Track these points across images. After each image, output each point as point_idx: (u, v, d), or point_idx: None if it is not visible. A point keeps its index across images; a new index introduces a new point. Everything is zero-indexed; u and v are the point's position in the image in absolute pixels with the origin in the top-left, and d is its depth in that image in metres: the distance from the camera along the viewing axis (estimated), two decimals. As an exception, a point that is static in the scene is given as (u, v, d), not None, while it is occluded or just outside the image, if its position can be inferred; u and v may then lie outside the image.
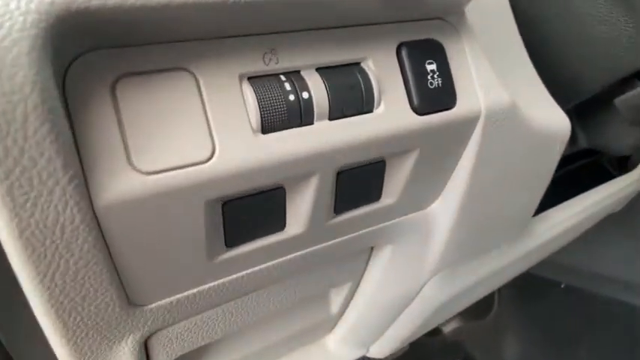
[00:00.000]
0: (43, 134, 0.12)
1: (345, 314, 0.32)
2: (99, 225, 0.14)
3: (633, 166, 0.45)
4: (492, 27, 0.25)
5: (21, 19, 0.11)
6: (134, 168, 0.14)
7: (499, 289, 0.79)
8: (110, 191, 0.14)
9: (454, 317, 0.89)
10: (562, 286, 0.68)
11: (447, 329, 0.88)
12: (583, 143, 0.34)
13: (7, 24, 0.11)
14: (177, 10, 0.13)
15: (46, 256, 0.14)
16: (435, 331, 0.87)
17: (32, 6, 0.11)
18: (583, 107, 0.32)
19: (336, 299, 0.31)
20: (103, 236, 0.15)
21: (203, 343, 0.24)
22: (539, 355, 0.77)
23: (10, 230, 0.13)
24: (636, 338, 0.65)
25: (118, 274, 0.16)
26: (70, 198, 0.13)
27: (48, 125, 0.12)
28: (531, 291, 0.74)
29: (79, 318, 0.16)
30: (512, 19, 0.27)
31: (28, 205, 0.13)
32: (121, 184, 0.14)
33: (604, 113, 0.33)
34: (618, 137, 0.32)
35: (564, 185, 0.43)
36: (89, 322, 0.17)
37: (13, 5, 0.11)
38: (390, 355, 0.48)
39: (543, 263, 0.57)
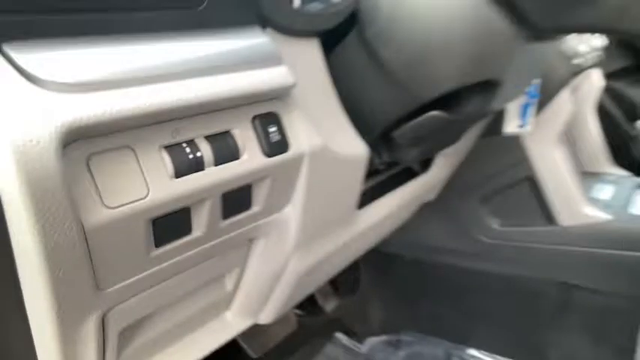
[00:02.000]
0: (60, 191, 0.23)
1: (237, 292, 0.45)
2: (86, 240, 0.25)
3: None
4: (314, 92, 0.40)
5: (47, 139, 0.22)
6: (105, 205, 0.25)
7: (361, 267, 0.97)
8: (92, 219, 0.25)
9: (333, 297, 1.06)
10: (405, 258, 0.90)
11: (328, 308, 1.04)
12: (386, 158, 0.51)
13: (38, 143, 0.22)
14: (129, 120, 0.25)
15: (57, 259, 0.24)
16: (318, 311, 1.03)
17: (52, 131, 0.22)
18: (384, 134, 0.49)
19: (230, 281, 0.43)
20: (87, 246, 0.26)
21: (141, 316, 0.35)
22: (399, 317, 0.97)
23: (40, 246, 0.23)
24: (461, 288, 0.88)
25: (93, 268, 0.27)
26: (72, 224, 0.24)
27: (62, 186, 0.23)
28: (384, 265, 0.94)
29: (66, 299, 0.26)
30: (329, 83, 0.42)
31: (53, 231, 0.23)
32: (98, 215, 0.25)
33: (400, 132, 0.50)
34: (405, 153, 0.50)
35: (388, 184, 0.61)
36: (70, 302, 0.27)
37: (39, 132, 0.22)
38: (278, 325, 0.60)
39: (389, 241, 0.76)
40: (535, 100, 0.59)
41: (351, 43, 0.42)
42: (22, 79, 0.23)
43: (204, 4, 0.30)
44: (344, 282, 1.00)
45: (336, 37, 0.42)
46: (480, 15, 0.36)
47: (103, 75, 0.25)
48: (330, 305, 1.03)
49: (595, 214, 0.71)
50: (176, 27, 0.29)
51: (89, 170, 0.25)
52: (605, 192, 0.79)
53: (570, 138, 0.84)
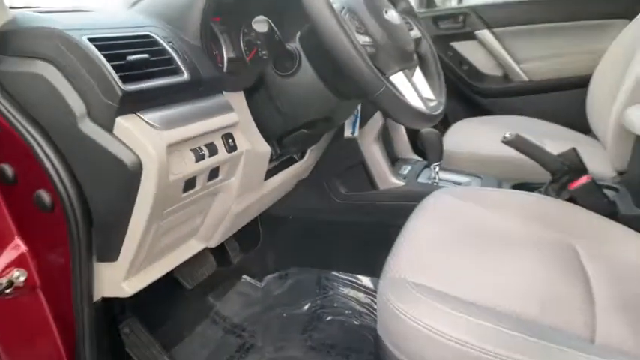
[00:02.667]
0: None
1: (201, 226, 0.83)
2: (167, 189, 0.63)
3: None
4: (243, 120, 0.80)
5: (163, 146, 0.59)
6: (173, 173, 0.63)
7: (260, 228, 1.38)
8: (171, 180, 0.63)
9: (239, 251, 1.44)
10: (289, 218, 1.34)
11: (235, 260, 1.43)
12: (279, 152, 0.92)
13: (161, 147, 0.59)
14: (184, 139, 0.63)
15: (161, 195, 0.61)
16: (227, 262, 1.41)
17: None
18: (278, 140, 0.90)
19: (199, 219, 0.81)
20: (168, 191, 0.63)
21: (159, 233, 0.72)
22: (286, 260, 1.40)
23: (156, 187, 0.60)
24: (326, 233, 1.34)
25: (167, 202, 0.64)
26: (168, 180, 0.61)
27: None
28: (275, 224, 1.36)
29: (153, 215, 0.63)
30: (249, 115, 0.82)
31: (161, 181, 0.61)
32: (173, 177, 0.63)
33: (286, 139, 0.92)
34: (290, 150, 0.93)
35: (280, 167, 1.03)
36: (155, 217, 0.64)
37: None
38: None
39: (279, 207, 1.17)
40: (358, 119, 1.07)
41: (261, 93, 0.83)
42: (148, 126, 0.59)
43: (202, 87, 0.68)
44: (248, 239, 1.40)
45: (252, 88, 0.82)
46: (322, 90, 0.79)
47: (173, 122, 0.62)
48: (237, 258, 1.42)
49: (397, 182, 1.22)
50: (191, 97, 0.67)
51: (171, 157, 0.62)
52: (405, 169, 1.32)
53: (388, 137, 1.35)
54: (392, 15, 0.76)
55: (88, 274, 0.65)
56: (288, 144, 0.90)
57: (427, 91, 0.82)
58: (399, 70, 0.74)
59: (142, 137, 0.57)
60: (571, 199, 1.02)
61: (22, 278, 0.65)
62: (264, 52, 0.90)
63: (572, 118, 1.62)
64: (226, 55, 0.82)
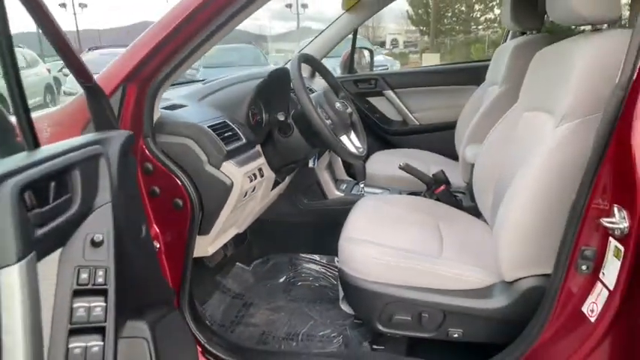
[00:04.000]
0: None
1: (241, 217, 1.48)
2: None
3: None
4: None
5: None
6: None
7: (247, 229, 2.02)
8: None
9: (234, 247, 2.05)
10: (269, 220, 2.00)
11: (230, 252, 2.05)
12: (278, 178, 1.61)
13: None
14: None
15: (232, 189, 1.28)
16: (227, 253, 2.02)
17: None
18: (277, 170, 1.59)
19: (239, 213, 1.47)
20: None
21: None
22: (267, 250, 2.05)
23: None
24: (294, 229, 2.03)
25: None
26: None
27: None
28: (259, 225, 2.01)
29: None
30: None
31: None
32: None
33: (282, 170, 1.61)
34: (280, 176, 1.62)
35: (273, 185, 1.70)
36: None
37: None
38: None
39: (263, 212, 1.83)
40: (316, 156, 1.79)
41: (270, 145, 1.51)
42: (234, 165, 1.25)
43: (250, 144, 1.36)
44: (239, 238, 2.03)
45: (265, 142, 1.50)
46: (304, 144, 1.50)
47: (243, 163, 1.29)
48: (231, 251, 2.04)
49: (339, 194, 1.96)
50: (247, 150, 1.35)
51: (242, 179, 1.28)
52: (343, 186, 2.06)
53: (332, 166, 2.09)
54: (338, 105, 1.50)
55: (194, 242, 1.28)
56: (282, 172, 1.59)
57: (357, 142, 1.56)
58: (344, 134, 1.48)
59: (234, 171, 1.24)
60: (438, 199, 1.82)
61: (157, 246, 1.27)
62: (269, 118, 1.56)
63: (446, 149, 2.47)
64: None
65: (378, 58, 10.13)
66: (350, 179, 2.15)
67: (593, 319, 0.95)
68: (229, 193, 1.24)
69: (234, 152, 1.27)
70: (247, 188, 1.31)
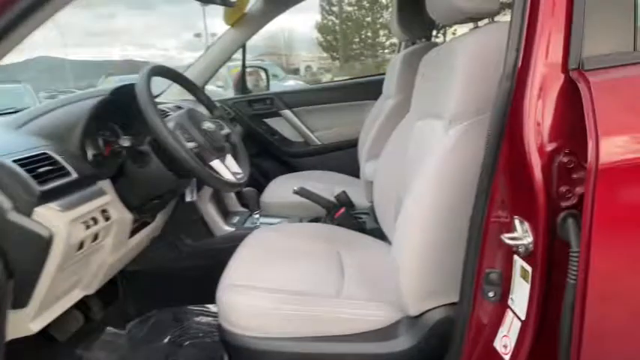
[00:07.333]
0: None
1: (85, 276, 1.14)
2: None
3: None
4: (112, 200, 1.17)
5: None
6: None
7: (118, 285, 1.66)
8: None
9: (102, 308, 1.66)
10: (141, 272, 1.66)
11: (98, 316, 1.66)
12: (138, 217, 1.30)
13: None
14: None
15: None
16: (92, 319, 1.63)
17: None
18: (138, 210, 1.28)
19: (83, 271, 1.13)
20: None
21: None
22: (143, 306, 1.69)
23: None
24: (175, 275, 1.70)
25: None
26: None
27: None
28: (133, 278, 1.66)
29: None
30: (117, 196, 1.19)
31: None
32: None
33: (143, 208, 1.30)
34: (146, 215, 1.31)
35: (139, 227, 1.38)
36: None
37: None
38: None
39: (136, 261, 1.51)
40: (195, 187, 1.51)
41: (124, 179, 1.20)
42: (56, 210, 0.93)
43: (85, 181, 1.05)
44: (108, 295, 1.65)
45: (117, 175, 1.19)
46: (166, 173, 1.21)
47: (70, 206, 0.97)
48: (100, 314, 1.65)
49: (228, 228, 1.68)
50: (79, 188, 1.03)
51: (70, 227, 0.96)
52: (235, 219, 1.79)
53: (220, 197, 1.81)
54: (207, 125, 1.24)
55: (4, 320, 0.93)
56: (144, 211, 1.29)
57: (235, 168, 1.31)
58: (216, 159, 1.21)
59: (53, 217, 0.92)
60: (339, 224, 1.61)
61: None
62: (117, 146, 1.27)
63: (351, 168, 2.31)
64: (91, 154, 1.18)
65: (291, 83, 10.11)
66: (244, 210, 1.88)
67: (507, 358, 0.78)
68: (50, 248, 0.92)
69: (55, 192, 0.95)
70: (82, 238, 1.00)
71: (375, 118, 1.98)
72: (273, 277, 1.14)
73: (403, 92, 1.73)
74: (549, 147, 0.70)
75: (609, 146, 0.63)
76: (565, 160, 0.68)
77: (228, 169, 1.26)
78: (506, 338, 0.81)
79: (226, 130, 1.38)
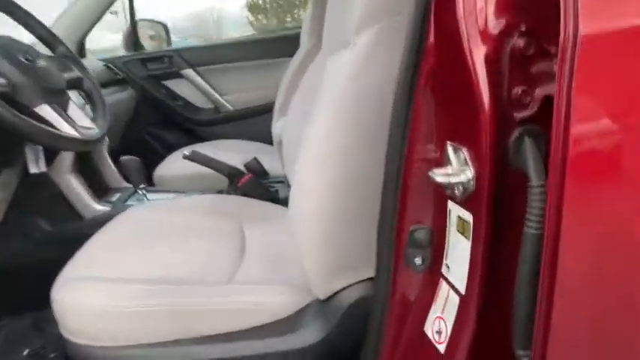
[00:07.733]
0: None
1: None
2: None
3: None
4: None
5: None
6: None
7: None
8: None
9: None
10: None
11: None
12: None
13: None
14: None
15: None
16: None
17: None
18: None
19: None
20: None
21: None
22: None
23: None
24: (43, 272, 1.32)
25: None
26: None
27: None
28: None
29: None
30: None
31: None
32: None
33: None
34: None
35: None
36: None
37: None
38: None
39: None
40: (41, 154, 1.13)
41: None
42: None
43: None
44: None
45: None
46: None
47: None
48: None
49: (102, 208, 1.33)
50: None
51: None
52: (115, 196, 1.43)
53: (93, 168, 1.44)
54: (40, 63, 0.88)
55: None
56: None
57: (84, 120, 0.96)
58: (45, 104, 0.86)
59: None
60: (244, 194, 1.32)
61: None
62: None
63: (268, 136, 2.02)
64: None
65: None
66: (127, 185, 1.53)
67: (442, 348, 0.55)
68: None
69: None
70: None
71: (289, 77, 1.70)
72: (134, 264, 0.84)
73: (315, 35, 1.45)
74: (496, 26, 0.44)
75: (594, 5, 0.38)
76: (521, 43, 0.43)
77: (71, 120, 0.91)
78: (439, 321, 0.57)
79: (75, 74, 1.02)
